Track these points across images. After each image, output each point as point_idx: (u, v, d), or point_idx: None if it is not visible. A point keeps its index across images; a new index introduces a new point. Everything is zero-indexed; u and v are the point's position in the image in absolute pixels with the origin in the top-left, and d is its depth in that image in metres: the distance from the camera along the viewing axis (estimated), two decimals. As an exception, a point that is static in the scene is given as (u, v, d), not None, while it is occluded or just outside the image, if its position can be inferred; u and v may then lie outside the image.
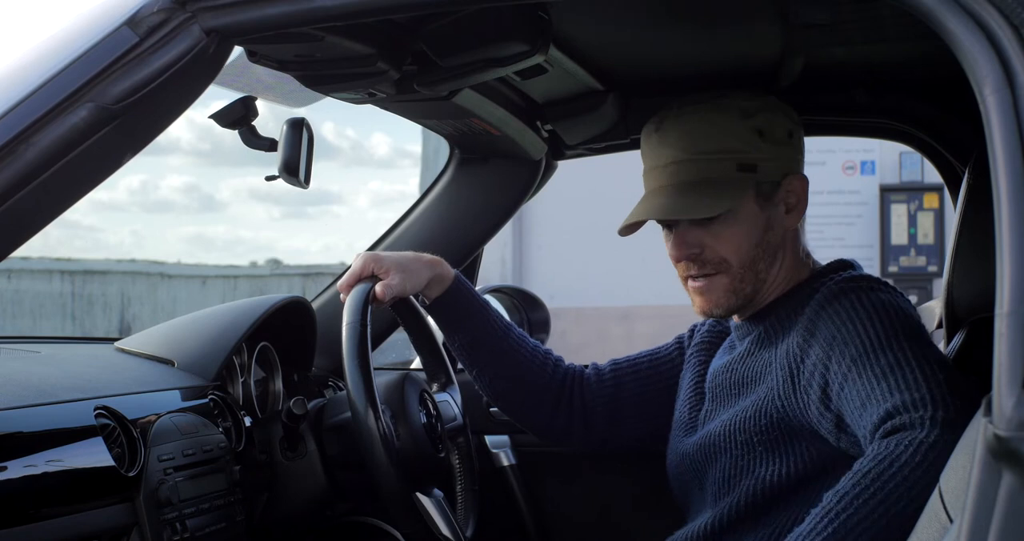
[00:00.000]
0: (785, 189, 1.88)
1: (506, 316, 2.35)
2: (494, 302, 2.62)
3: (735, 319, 1.97)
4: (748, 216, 1.86)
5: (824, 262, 1.95)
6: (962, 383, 1.56)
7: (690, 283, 1.90)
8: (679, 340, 2.18)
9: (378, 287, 1.95)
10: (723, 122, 1.86)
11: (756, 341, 1.88)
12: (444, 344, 2.23)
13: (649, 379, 2.17)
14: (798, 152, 1.91)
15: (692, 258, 1.87)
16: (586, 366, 2.24)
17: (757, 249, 1.87)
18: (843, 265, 1.91)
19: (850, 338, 1.66)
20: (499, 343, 2.13)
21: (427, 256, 2.07)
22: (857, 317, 1.68)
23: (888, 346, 1.62)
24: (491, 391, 2.19)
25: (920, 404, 1.53)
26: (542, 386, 2.16)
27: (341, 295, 1.97)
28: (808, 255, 1.94)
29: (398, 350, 3.11)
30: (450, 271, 2.10)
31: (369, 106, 2.08)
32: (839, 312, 1.71)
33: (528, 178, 2.54)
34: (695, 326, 2.16)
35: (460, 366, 2.28)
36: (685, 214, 1.85)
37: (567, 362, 2.22)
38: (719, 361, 1.97)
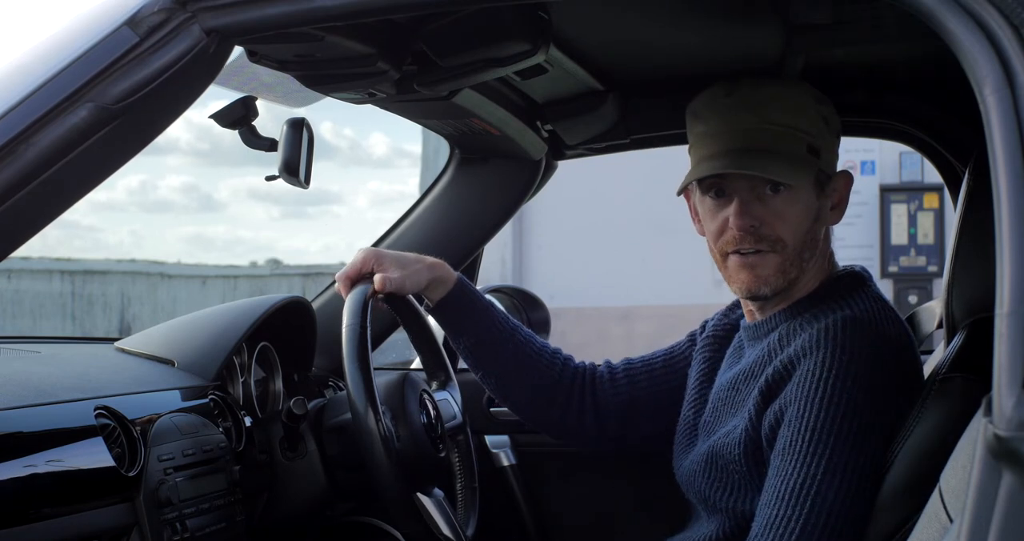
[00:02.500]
0: (833, 185, 1.88)
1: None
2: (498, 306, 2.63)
3: (746, 319, 1.96)
4: (807, 200, 1.84)
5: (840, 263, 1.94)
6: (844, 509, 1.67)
7: (735, 259, 1.84)
8: (691, 337, 2.17)
9: (377, 278, 1.95)
10: (801, 100, 1.85)
11: (760, 359, 1.86)
12: (444, 343, 2.23)
13: (663, 378, 2.16)
14: (837, 154, 1.92)
15: (751, 231, 1.82)
16: (597, 365, 2.23)
17: (808, 236, 1.85)
18: (854, 280, 1.89)
19: (806, 406, 1.71)
20: (505, 344, 2.12)
21: (429, 259, 2.07)
22: (822, 388, 1.71)
23: (819, 444, 1.69)
24: (500, 392, 2.19)
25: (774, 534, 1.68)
26: (551, 385, 2.16)
27: (338, 285, 1.97)
28: (832, 255, 1.93)
29: (398, 350, 3.11)
30: (452, 274, 2.09)
31: (367, 105, 2.08)
32: (816, 367, 1.72)
33: (528, 178, 2.54)
34: (706, 321, 2.15)
35: (461, 365, 2.28)
36: (767, 173, 1.79)
37: (576, 360, 2.21)
38: (727, 373, 1.96)
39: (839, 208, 1.90)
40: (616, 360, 2.26)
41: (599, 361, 2.26)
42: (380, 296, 2.00)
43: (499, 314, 2.14)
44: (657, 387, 2.16)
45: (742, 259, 1.84)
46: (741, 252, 1.84)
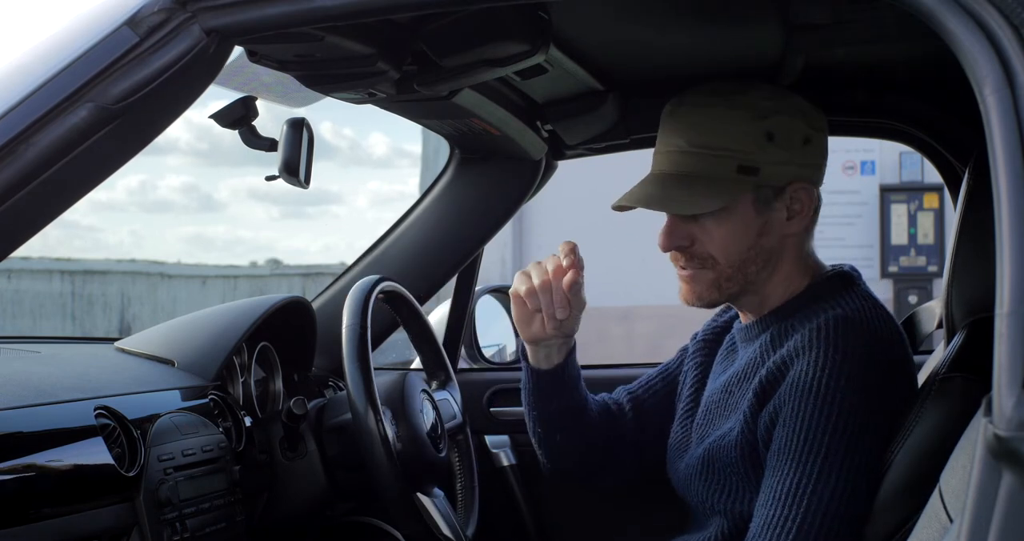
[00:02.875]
0: (789, 195, 1.85)
1: (508, 322, 2.34)
2: (498, 311, 2.63)
3: (740, 320, 1.97)
4: (742, 218, 1.84)
5: (827, 263, 1.94)
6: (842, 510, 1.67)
7: (678, 270, 1.90)
8: (683, 350, 2.18)
9: (568, 278, 1.98)
10: (733, 120, 1.83)
11: (752, 361, 1.86)
12: (444, 343, 2.23)
13: (665, 393, 2.16)
14: (814, 158, 1.87)
15: (680, 250, 1.87)
16: (596, 367, 2.22)
17: (749, 252, 1.85)
18: (844, 280, 1.88)
19: (800, 406, 1.71)
20: (585, 406, 2.09)
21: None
22: (816, 387, 1.70)
23: (814, 444, 1.69)
24: (555, 451, 2.13)
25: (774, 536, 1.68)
26: (605, 440, 2.13)
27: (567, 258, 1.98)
28: (811, 257, 1.92)
29: (398, 350, 3.11)
30: (572, 339, 2.06)
31: (366, 105, 2.08)
32: (809, 367, 1.72)
33: (528, 178, 2.54)
34: (696, 333, 2.15)
35: (461, 365, 2.27)
36: (669, 209, 1.85)
37: (595, 399, 2.17)
38: (721, 376, 1.96)
39: (800, 217, 1.86)
40: (616, 361, 2.25)
41: (599, 362, 2.26)
42: (381, 296, 2.00)
43: (583, 382, 2.10)
44: (661, 405, 2.15)
45: (682, 272, 1.90)
46: (681, 266, 1.89)
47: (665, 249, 1.88)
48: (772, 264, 1.87)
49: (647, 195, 1.86)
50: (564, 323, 1.99)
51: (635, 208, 1.88)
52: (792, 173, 1.85)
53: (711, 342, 2.08)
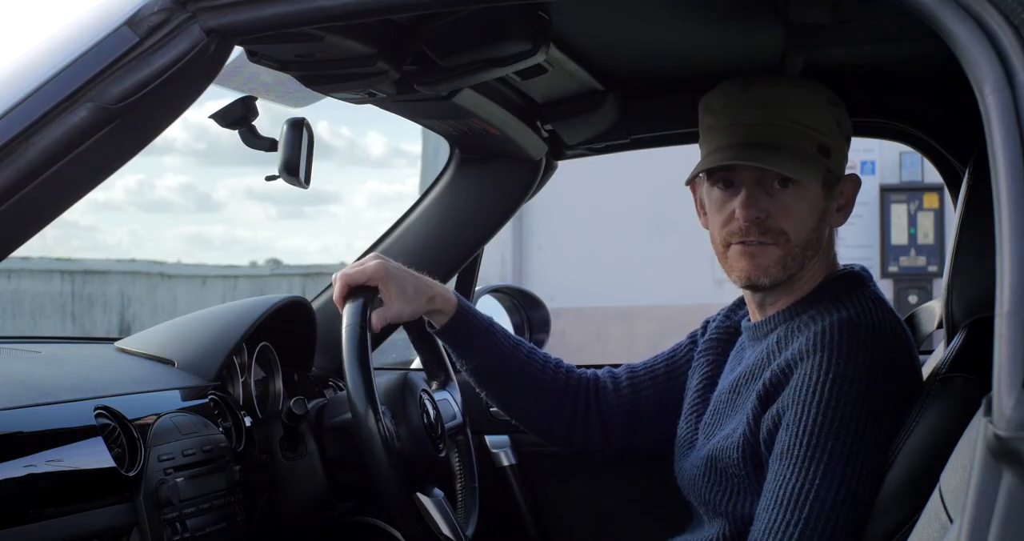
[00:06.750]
0: (841, 187, 1.88)
1: (508, 322, 2.33)
2: (498, 311, 2.62)
3: (749, 318, 1.96)
4: (813, 198, 1.84)
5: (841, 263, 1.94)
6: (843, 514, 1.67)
7: (736, 248, 1.85)
8: (692, 338, 2.16)
9: (374, 316, 1.92)
10: (813, 100, 1.85)
11: (759, 361, 1.86)
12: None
13: (666, 384, 2.15)
14: (846, 157, 1.92)
15: (756, 222, 1.82)
16: (599, 367, 2.23)
17: (813, 234, 1.85)
18: (854, 281, 1.88)
19: (803, 410, 1.71)
20: (508, 365, 2.12)
21: (431, 290, 2.04)
22: (820, 392, 1.70)
23: (816, 448, 1.69)
24: (507, 409, 2.20)
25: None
26: (555, 401, 2.15)
27: (336, 285, 1.95)
28: (834, 255, 1.93)
29: (398, 350, 3.11)
30: (451, 302, 2.07)
31: (365, 105, 2.08)
32: (813, 371, 1.72)
33: (528, 178, 2.54)
34: (707, 321, 2.15)
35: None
36: (775, 166, 1.80)
37: (579, 370, 2.21)
38: (729, 375, 1.96)
39: (844, 211, 1.90)
40: (616, 361, 2.25)
41: (599, 362, 2.26)
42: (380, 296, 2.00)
43: (500, 335, 2.13)
44: (661, 393, 2.15)
45: (743, 248, 1.84)
46: (744, 242, 1.84)
47: (747, 219, 1.82)
48: (816, 254, 1.87)
49: (747, 156, 1.81)
50: (391, 308, 1.96)
51: (696, 175, 1.85)
52: (844, 165, 1.88)
53: (724, 342, 2.07)
